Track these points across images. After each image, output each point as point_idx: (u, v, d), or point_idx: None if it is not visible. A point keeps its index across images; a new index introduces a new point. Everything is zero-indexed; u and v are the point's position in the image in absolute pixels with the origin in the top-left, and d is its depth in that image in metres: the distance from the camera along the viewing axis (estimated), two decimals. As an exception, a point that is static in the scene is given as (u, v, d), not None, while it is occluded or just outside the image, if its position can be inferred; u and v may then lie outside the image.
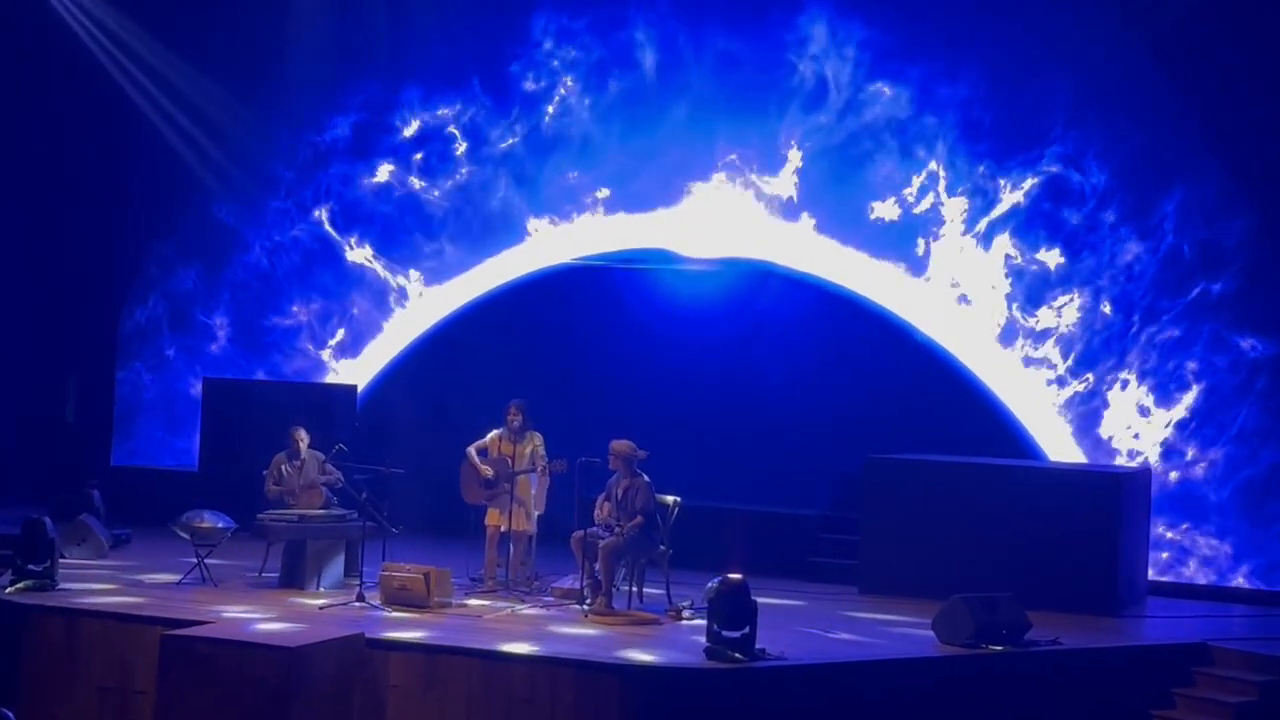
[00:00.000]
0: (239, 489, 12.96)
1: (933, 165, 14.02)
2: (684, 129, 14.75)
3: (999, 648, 10.01)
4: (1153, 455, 13.26)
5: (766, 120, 14.51)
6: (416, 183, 15.66)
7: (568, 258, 15.16)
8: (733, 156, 14.63)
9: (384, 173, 15.74)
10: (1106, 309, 13.50)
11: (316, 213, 15.93)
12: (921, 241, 14.10)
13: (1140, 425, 13.35)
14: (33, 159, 15.82)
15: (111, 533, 12.98)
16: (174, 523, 11.63)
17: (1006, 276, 13.81)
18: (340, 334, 15.93)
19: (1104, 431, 13.46)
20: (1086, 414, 13.53)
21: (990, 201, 13.89)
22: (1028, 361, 13.72)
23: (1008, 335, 13.82)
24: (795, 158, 14.42)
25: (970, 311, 13.94)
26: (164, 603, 10.49)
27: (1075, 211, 13.62)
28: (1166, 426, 13.27)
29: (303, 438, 11.91)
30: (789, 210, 14.53)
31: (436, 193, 15.61)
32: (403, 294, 15.77)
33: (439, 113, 15.55)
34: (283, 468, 11.86)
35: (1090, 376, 13.53)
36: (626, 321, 14.94)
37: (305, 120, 15.87)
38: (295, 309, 16.00)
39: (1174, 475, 13.21)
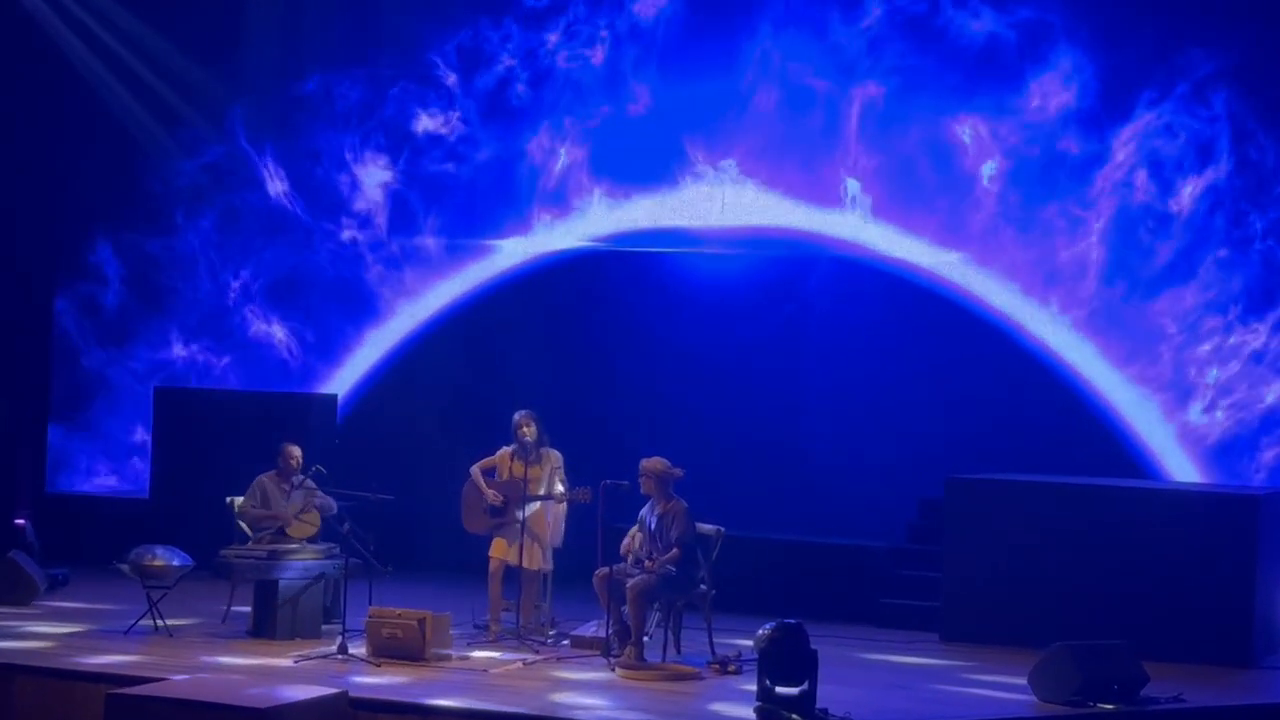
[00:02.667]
0: (197, 519, 13.02)
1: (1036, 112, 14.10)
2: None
3: (1109, 706, 9.95)
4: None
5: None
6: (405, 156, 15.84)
7: (578, 241, 15.27)
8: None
9: (367, 148, 15.88)
10: (1237, 306, 13.60)
11: (280, 189, 16.03)
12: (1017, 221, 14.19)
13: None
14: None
15: (46, 573, 13.05)
16: (120, 560, 11.66)
17: (1128, 266, 13.88)
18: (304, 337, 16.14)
19: (1234, 448, 13.54)
20: (1215, 428, 13.59)
21: (1107, 175, 13.92)
22: (1148, 371, 13.81)
23: (1129, 342, 13.87)
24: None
25: (1080, 311, 14.01)
26: (109, 655, 10.53)
27: (1197, 189, 13.67)
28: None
29: (295, 456, 11.94)
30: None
31: (429, 166, 15.78)
32: (387, 288, 15.92)
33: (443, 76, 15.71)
34: (267, 489, 11.90)
35: (1217, 384, 13.62)
36: (652, 316, 15.02)
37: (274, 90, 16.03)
38: (263, 313, 16.16)
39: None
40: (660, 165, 15.04)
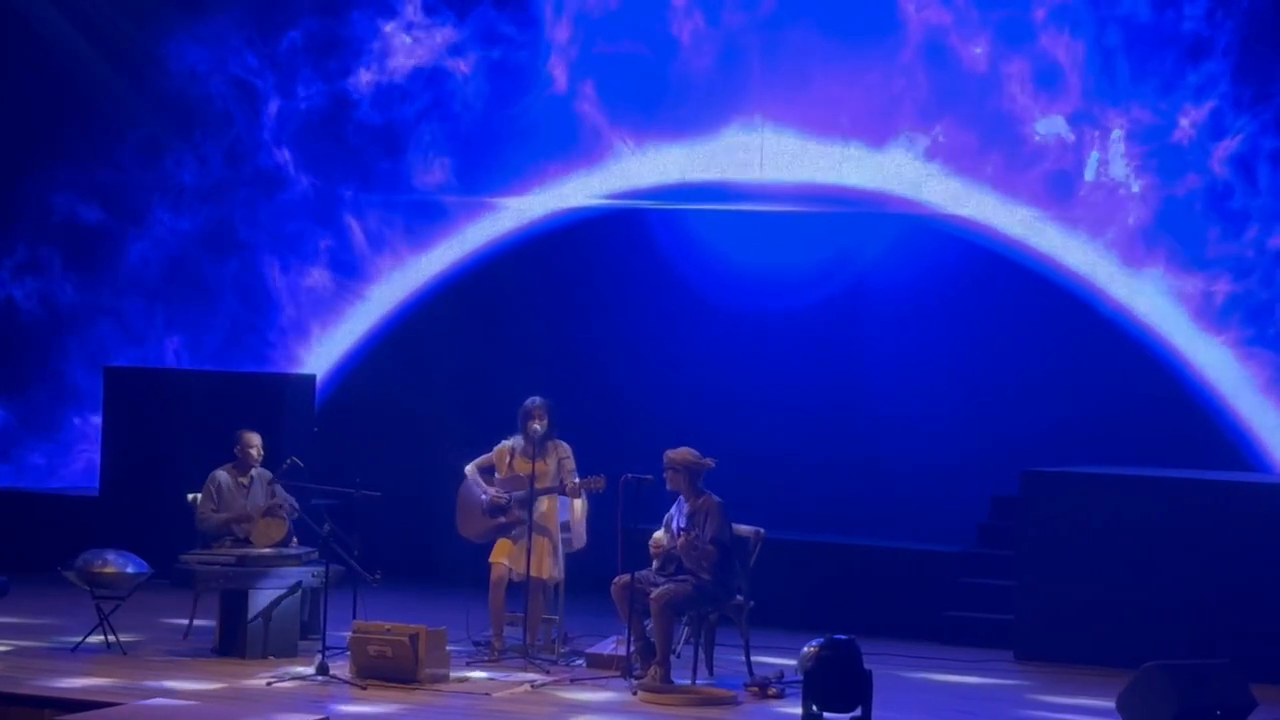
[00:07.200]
0: (154, 520, 13.18)
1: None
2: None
3: (1212, 736, 10.01)
4: None
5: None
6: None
7: (595, 198, 15.33)
8: None
9: (347, 88, 16.05)
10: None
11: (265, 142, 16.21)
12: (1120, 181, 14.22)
13: None
14: None
15: (-19, 581, 13.20)
16: (66, 567, 11.66)
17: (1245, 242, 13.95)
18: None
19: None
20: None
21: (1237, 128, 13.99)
22: (1259, 347, 13.89)
23: (1241, 316, 13.95)
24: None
25: (1182, 279, 14.06)
26: (54, 676, 10.59)
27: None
28: None
29: (255, 445, 11.99)
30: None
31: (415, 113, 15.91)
32: (367, 249, 16.01)
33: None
34: (224, 486, 11.91)
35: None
36: (679, 286, 15.10)
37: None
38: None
39: None
40: (692, 110, 15.10)
